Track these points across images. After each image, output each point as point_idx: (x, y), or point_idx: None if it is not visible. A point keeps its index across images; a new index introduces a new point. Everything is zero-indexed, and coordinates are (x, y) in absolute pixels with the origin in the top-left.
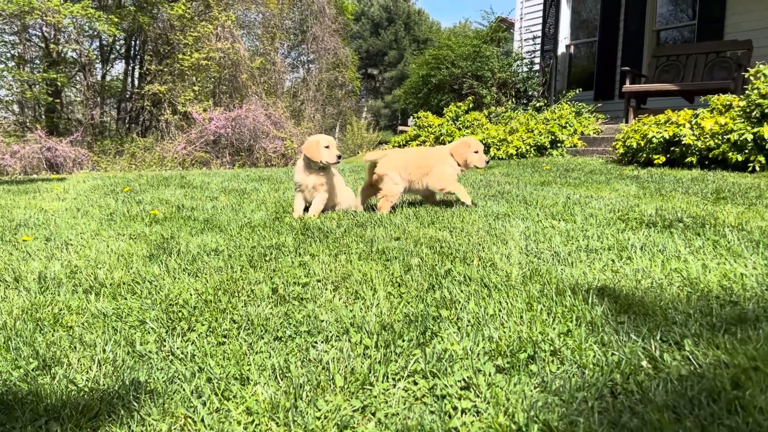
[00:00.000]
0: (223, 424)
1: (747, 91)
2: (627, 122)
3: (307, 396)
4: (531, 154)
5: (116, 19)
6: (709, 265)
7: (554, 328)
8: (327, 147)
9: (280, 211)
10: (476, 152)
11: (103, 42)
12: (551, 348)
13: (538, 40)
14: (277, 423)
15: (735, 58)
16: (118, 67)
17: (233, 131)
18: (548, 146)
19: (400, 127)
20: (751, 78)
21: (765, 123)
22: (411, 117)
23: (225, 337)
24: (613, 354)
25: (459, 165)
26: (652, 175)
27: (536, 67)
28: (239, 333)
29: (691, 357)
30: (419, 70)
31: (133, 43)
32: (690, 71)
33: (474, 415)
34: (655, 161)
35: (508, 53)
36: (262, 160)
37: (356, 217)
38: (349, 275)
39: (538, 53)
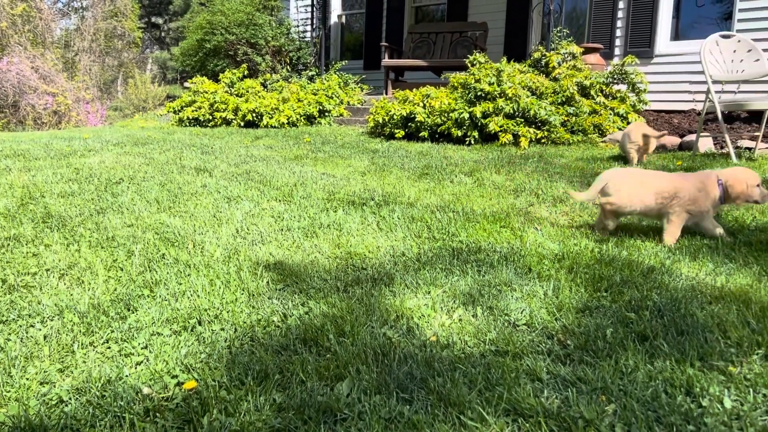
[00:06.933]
0: None
1: (467, 75)
2: (387, 93)
3: (19, 364)
4: (301, 123)
5: None
6: (366, 239)
7: (225, 298)
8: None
9: (26, 197)
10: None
11: None
12: (216, 313)
13: (310, 9)
14: None
15: (474, 38)
16: None
17: None
18: (317, 116)
19: (186, 84)
20: (468, 65)
21: (478, 104)
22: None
23: None
24: (258, 314)
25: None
26: (389, 148)
27: (309, 37)
28: None
29: (310, 310)
30: (194, 34)
31: None
32: (439, 48)
33: (145, 365)
34: (396, 135)
35: (282, 22)
36: (31, 117)
37: (99, 203)
38: (75, 263)
39: (309, 23)
